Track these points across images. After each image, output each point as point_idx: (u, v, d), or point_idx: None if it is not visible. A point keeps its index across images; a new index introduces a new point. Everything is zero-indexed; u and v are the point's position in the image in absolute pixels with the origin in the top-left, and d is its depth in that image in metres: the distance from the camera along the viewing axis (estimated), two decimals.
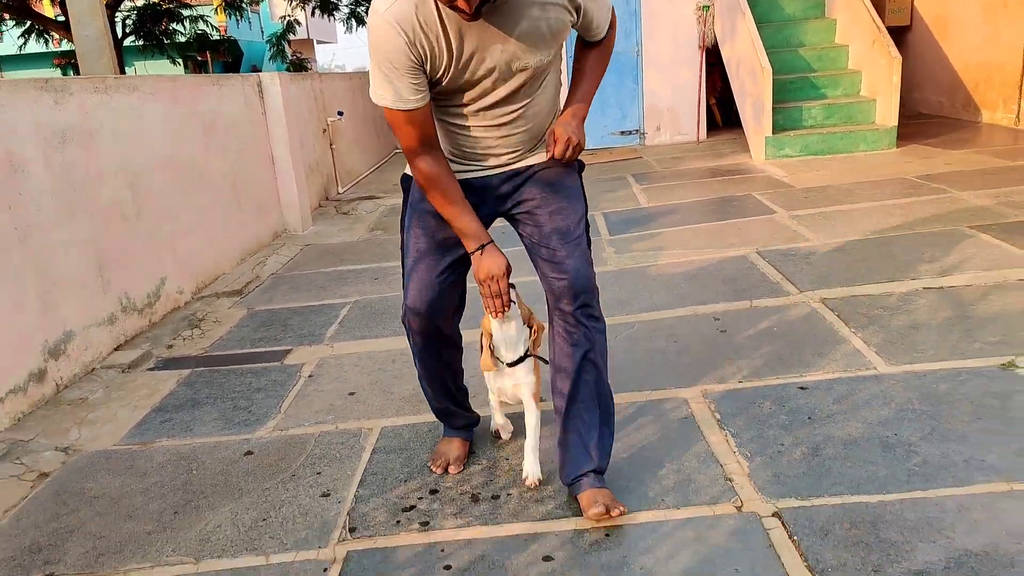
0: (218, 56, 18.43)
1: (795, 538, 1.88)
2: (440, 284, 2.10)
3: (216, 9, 15.44)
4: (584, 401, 2.08)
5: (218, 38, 16.62)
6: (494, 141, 1.99)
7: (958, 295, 3.23)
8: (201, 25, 13.94)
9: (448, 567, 1.93)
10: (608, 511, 1.98)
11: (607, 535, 1.99)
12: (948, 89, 8.14)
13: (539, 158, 2.08)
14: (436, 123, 1.96)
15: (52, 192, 3.32)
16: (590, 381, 2.08)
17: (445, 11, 1.74)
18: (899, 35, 8.69)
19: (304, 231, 6.12)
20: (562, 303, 2.05)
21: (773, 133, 6.66)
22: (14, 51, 14.20)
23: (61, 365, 3.31)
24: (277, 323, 4.01)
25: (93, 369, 3.54)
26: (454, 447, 2.42)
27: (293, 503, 2.31)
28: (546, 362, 2.21)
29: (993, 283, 3.31)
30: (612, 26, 2.07)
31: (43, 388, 3.19)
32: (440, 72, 1.83)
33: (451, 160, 2.03)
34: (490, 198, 2.08)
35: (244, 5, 14.12)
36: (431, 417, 2.61)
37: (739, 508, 2.03)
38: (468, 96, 1.90)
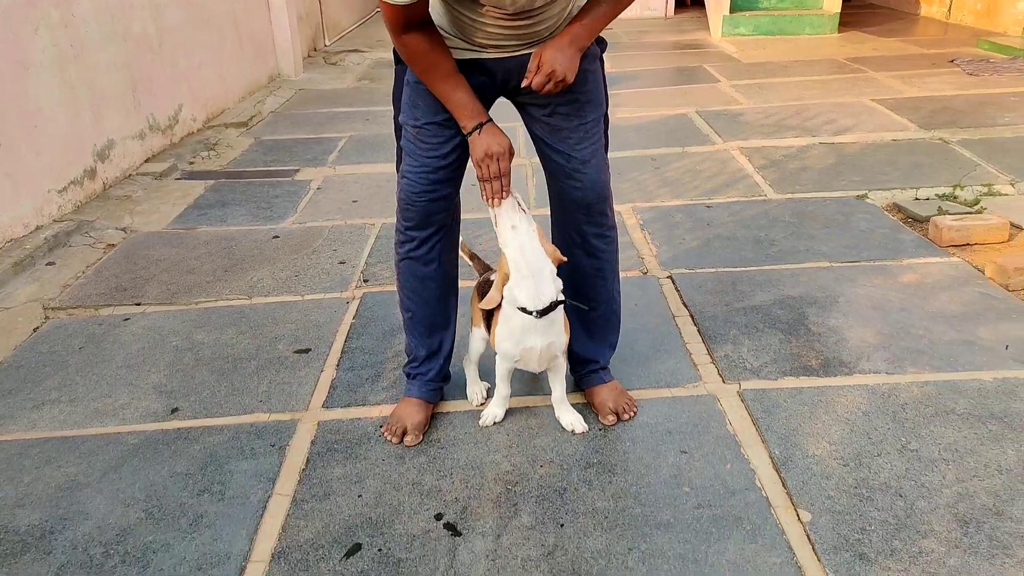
0: None
1: (678, 288, 2.73)
2: (441, 170, 1.85)
3: None
4: (594, 306, 2.05)
5: None
6: (507, 32, 1.73)
7: (843, 148, 4.04)
8: None
9: None
10: (618, 416, 2.01)
11: None
12: None
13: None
14: (440, 6, 1.74)
15: (95, 18, 3.87)
16: (599, 287, 2.05)
17: None
18: None
19: (296, 76, 6.64)
20: (576, 212, 1.94)
21: (730, 12, 7.24)
22: None
23: (107, 167, 3.97)
24: (283, 150, 4.67)
25: (130, 175, 4.19)
26: (415, 411, 2.01)
27: (317, 267, 3.08)
28: (586, 309, 2.02)
29: (872, 141, 4.12)
30: None
31: (94, 184, 3.86)
32: None
33: (453, 40, 1.77)
34: (499, 80, 1.83)
35: None
36: None
37: (644, 273, 2.87)
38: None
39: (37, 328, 2.65)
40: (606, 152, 1.98)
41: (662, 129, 4.60)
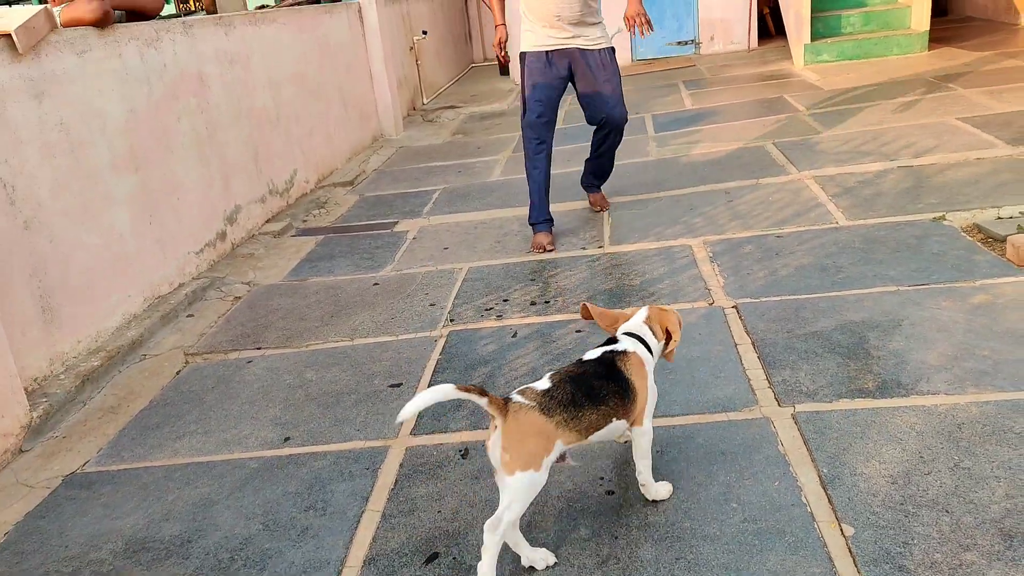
0: None
1: (742, 317, 2.87)
2: (551, 96, 3.84)
3: None
4: (604, 161, 4.18)
5: None
6: (560, 4, 3.69)
7: (922, 171, 4.04)
8: None
9: (515, 335, 3.01)
10: (604, 205, 4.31)
11: None
12: None
13: (596, 42, 3.82)
14: None
15: (226, 101, 4.46)
16: (607, 154, 4.13)
17: None
18: None
19: (397, 135, 7.18)
20: (607, 128, 3.96)
21: (812, 40, 7.25)
22: None
23: (234, 229, 4.51)
24: (384, 204, 5.11)
25: (253, 235, 4.73)
26: (545, 237, 3.87)
27: (411, 310, 3.42)
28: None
29: (954, 161, 4.09)
30: None
31: (224, 245, 4.39)
32: None
33: (534, 31, 3.83)
34: (561, 70, 3.85)
35: None
36: (506, 259, 3.69)
37: (710, 304, 3.03)
38: None
39: (179, 371, 3.11)
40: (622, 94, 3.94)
41: (737, 162, 4.72)
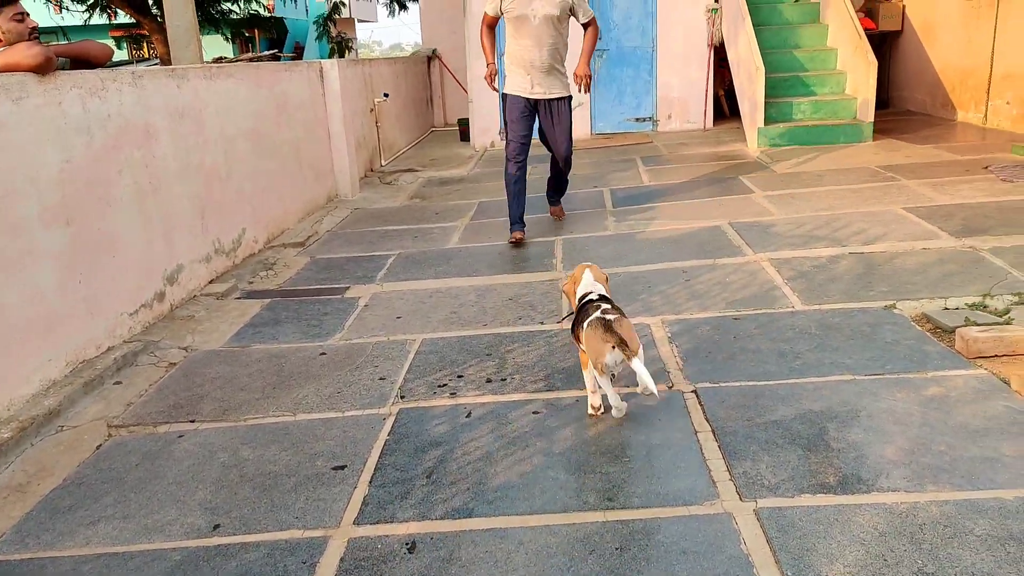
0: (264, 33, 19.56)
1: (702, 403, 2.80)
2: (525, 128, 5.07)
3: None
4: (560, 181, 5.55)
5: (266, 16, 17.74)
6: (533, 54, 4.93)
7: (872, 258, 4.11)
8: (254, 6, 15.04)
9: (469, 414, 2.88)
10: (560, 216, 5.67)
11: (576, 400, 2.92)
12: (931, 89, 8.88)
13: (557, 92, 5.09)
14: (508, 43, 5.06)
15: (174, 155, 4.32)
16: (559, 176, 5.49)
17: None
18: (892, 39, 9.44)
19: (353, 196, 7.10)
20: (557, 158, 5.29)
21: (765, 125, 7.49)
22: (78, 22, 15.33)
23: (175, 289, 4.31)
24: (335, 268, 4.98)
25: (195, 296, 4.53)
26: (518, 233, 5.12)
27: (359, 383, 3.26)
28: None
29: (902, 250, 4.18)
30: (593, 24, 5.04)
31: (162, 306, 4.19)
32: (511, 4, 4.86)
33: (514, 76, 5.10)
34: (530, 109, 5.11)
35: None
36: (461, 331, 3.60)
37: (670, 388, 2.96)
38: (526, 29, 4.88)
39: (100, 445, 2.87)
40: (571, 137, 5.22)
41: (694, 241, 4.75)
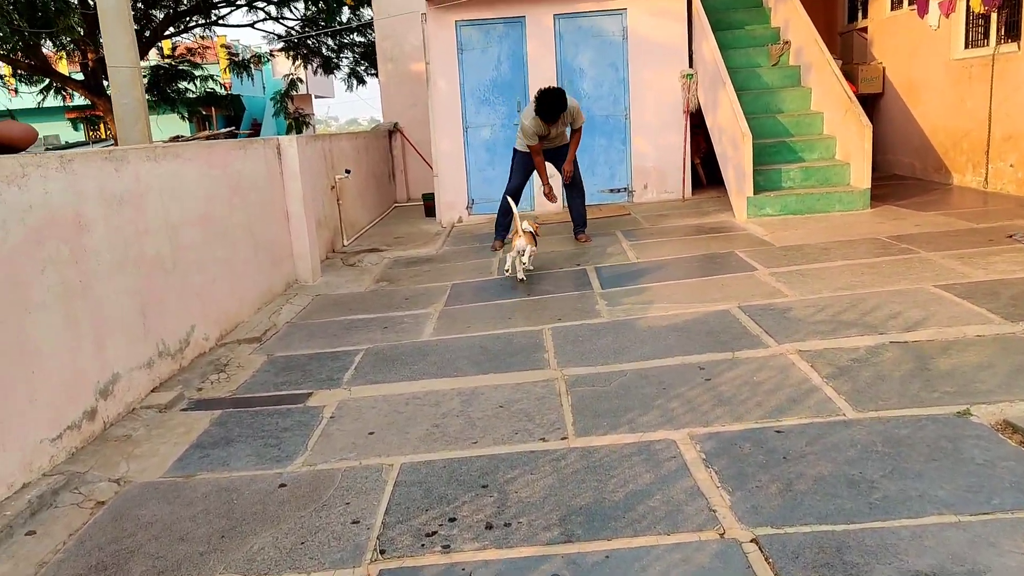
0: (220, 110, 19.19)
1: (770, 560, 2.20)
2: (523, 181, 7.11)
3: (224, 69, 16.53)
4: (578, 211, 7.22)
5: (223, 94, 17.41)
6: (552, 146, 6.99)
7: (921, 348, 3.60)
8: (210, 84, 14.69)
9: None
10: (589, 239, 7.10)
11: (606, 557, 2.30)
12: (920, 152, 8.66)
13: (560, 143, 7.05)
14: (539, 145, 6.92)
15: (109, 247, 3.68)
16: (576, 207, 7.21)
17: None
18: (872, 101, 9.26)
19: (314, 282, 6.46)
20: (570, 185, 7.13)
21: (754, 194, 7.11)
22: (32, 105, 14.82)
23: (109, 404, 3.61)
24: (296, 368, 4.32)
25: (134, 409, 3.83)
26: (499, 244, 7.14)
27: (327, 529, 2.60)
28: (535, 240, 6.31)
29: (953, 338, 3.68)
30: (579, 129, 6.94)
31: (93, 426, 3.48)
32: (546, 132, 6.74)
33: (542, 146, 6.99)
34: (550, 157, 7.06)
35: (250, 66, 15.01)
36: (448, 452, 2.99)
37: (722, 535, 2.35)
38: (547, 141, 6.85)
39: None
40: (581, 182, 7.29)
41: (703, 329, 4.21)
